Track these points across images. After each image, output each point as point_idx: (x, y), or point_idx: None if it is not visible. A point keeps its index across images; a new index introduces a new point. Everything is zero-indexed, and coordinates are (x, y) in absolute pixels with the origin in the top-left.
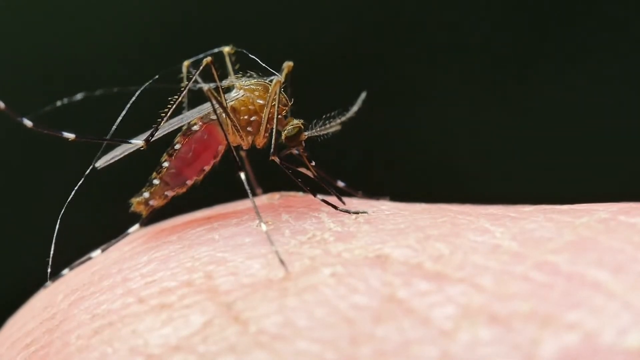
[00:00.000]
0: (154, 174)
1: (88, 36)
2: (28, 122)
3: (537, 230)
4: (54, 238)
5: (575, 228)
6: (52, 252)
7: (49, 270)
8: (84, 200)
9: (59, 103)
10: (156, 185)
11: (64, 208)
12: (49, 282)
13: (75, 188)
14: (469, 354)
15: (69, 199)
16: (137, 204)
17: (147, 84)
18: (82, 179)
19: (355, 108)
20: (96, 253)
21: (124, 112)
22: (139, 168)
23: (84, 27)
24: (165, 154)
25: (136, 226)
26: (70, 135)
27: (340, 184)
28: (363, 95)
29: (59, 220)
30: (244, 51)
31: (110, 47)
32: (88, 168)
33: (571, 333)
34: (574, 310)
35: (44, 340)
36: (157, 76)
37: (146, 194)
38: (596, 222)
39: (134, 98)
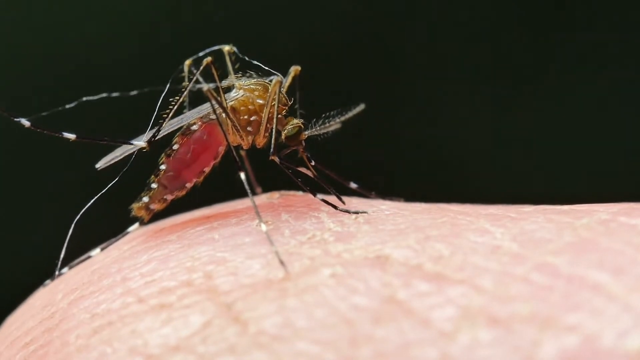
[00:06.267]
0: (152, 177)
1: (88, 34)
2: (26, 122)
3: (537, 232)
4: (67, 241)
5: (576, 229)
6: (62, 253)
7: (58, 265)
8: (83, 199)
9: (62, 107)
10: (154, 189)
11: (80, 213)
12: (48, 281)
13: (98, 195)
14: (468, 356)
15: (88, 205)
16: (137, 209)
17: (167, 87)
18: (107, 187)
19: (349, 114)
20: (95, 252)
21: (154, 115)
22: (139, 166)
23: (83, 25)
24: (163, 155)
25: (136, 225)
26: (71, 136)
27: (353, 185)
28: (361, 106)
29: (73, 224)
30: (246, 58)
31: (109, 45)
32: (91, 169)
33: (571, 335)
34: (574, 313)
35: (43, 340)
36: (168, 86)
37: (145, 199)
38: (596, 224)
39: (159, 100)
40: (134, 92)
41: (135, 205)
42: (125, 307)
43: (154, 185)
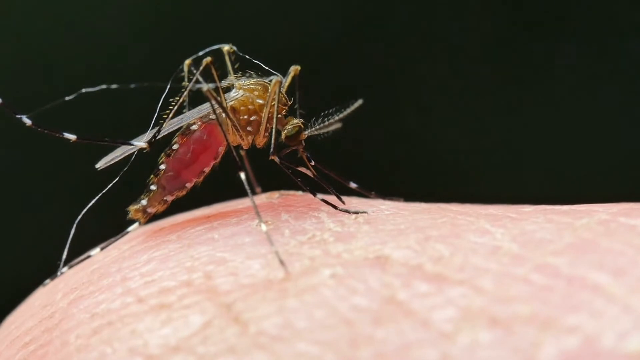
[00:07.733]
0: (152, 177)
1: (87, 34)
2: (27, 121)
3: (537, 232)
4: (69, 241)
5: (576, 230)
6: (65, 253)
7: (61, 264)
8: (83, 199)
9: (62, 99)
10: (154, 190)
11: (82, 213)
12: (47, 280)
13: (99, 195)
14: (469, 357)
15: (89, 205)
16: (134, 211)
17: (167, 86)
18: (107, 187)
19: (347, 111)
20: (95, 251)
21: (156, 114)
22: (139, 167)
23: (82, 26)
24: (163, 155)
25: (135, 225)
26: (72, 137)
27: (353, 185)
28: (359, 102)
29: (75, 224)
30: (247, 56)
31: (109, 45)
32: (91, 169)
33: (571, 336)
34: (574, 314)
35: (42, 339)
36: (170, 82)
37: (144, 201)
38: (596, 224)
39: (164, 96)
40: (133, 85)
41: (132, 208)
42: (125, 307)
43: (153, 187)
